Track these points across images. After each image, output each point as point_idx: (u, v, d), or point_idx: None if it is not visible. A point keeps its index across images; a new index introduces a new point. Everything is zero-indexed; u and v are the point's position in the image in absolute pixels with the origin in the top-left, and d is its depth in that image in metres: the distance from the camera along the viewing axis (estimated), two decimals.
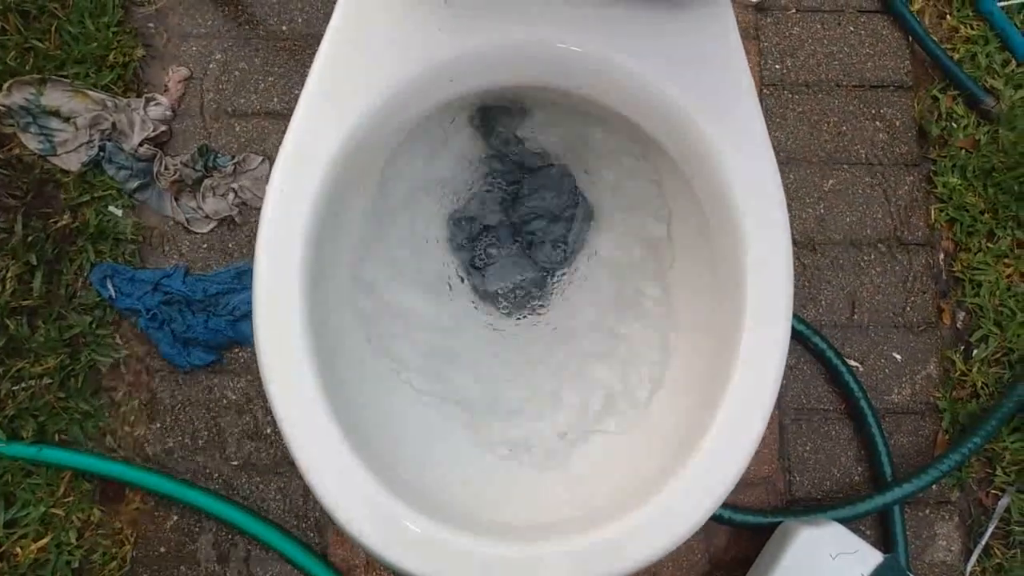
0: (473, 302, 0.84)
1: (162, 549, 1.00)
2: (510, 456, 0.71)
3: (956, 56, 1.16)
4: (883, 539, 1.04)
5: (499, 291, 0.83)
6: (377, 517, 0.56)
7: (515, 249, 0.84)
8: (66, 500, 0.99)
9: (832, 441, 1.07)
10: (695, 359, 0.69)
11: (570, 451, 0.72)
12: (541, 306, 0.84)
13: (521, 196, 0.82)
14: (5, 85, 1.05)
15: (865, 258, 1.12)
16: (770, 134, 0.69)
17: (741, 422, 0.59)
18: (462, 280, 0.84)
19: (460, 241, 0.83)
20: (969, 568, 1.04)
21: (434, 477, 0.69)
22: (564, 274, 0.84)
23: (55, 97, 1.06)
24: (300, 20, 1.13)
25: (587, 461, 0.72)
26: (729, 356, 0.60)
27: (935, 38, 1.16)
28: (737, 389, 0.60)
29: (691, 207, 0.68)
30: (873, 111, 1.15)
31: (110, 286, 1.02)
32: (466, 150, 0.81)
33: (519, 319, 0.83)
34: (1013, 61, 1.16)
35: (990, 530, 1.05)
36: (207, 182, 1.07)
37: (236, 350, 1.05)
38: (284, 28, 1.12)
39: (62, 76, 1.07)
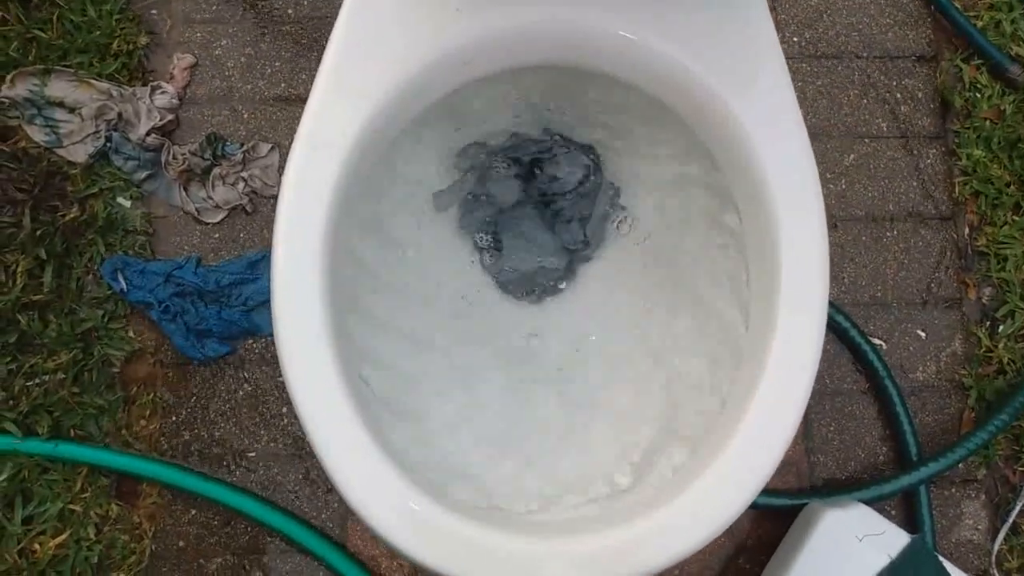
0: (496, 289, 0.82)
1: (181, 543, 0.99)
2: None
3: (979, 24, 1.13)
4: (909, 519, 1.02)
5: (519, 276, 0.81)
6: (395, 507, 0.55)
7: (537, 231, 0.82)
8: (83, 496, 0.98)
9: (856, 421, 1.05)
10: None
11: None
12: (564, 291, 0.81)
13: (541, 174, 0.80)
14: (8, 76, 1.03)
15: (888, 234, 1.09)
16: None
17: (774, 417, 0.57)
18: (480, 264, 0.82)
19: (476, 222, 0.81)
20: (996, 547, 1.03)
21: (451, 470, 0.68)
22: (592, 258, 0.81)
23: (59, 88, 1.04)
24: (306, 2, 1.10)
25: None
26: (762, 346, 0.58)
27: (957, 5, 1.12)
28: (770, 382, 0.58)
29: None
30: (894, 83, 1.13)
31: (121, 279, 1.01)
32: (482, 127, 0.78)
33: (540, 308, 0.81)
34: None
35: (1018, 508, 1.03)
36: (216, 171, 1.05)
37: (250, 341, 1.03)
38: (290, 11, 1.10)
39: (66, 66, 1.05)
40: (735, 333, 0.65)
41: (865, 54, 1.13)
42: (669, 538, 0.55)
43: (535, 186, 0.81)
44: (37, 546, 0.96)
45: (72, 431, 0.99)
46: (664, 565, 0.55)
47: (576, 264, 0.82)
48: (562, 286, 0.82)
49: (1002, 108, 1.11)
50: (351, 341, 0.65)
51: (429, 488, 0.57)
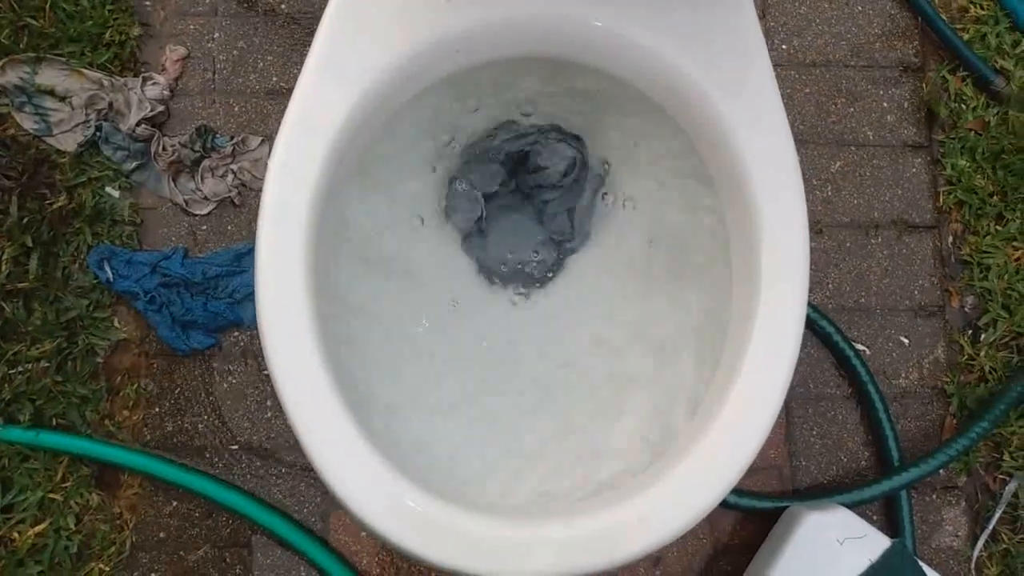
0: (483, 280, 0.82)
1: (161, 534, 0.99)
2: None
3: (965, 36, 1.14)
4: (890, 524, 1.03)
5: (507, 268, 0.81)
6: (381, 495, 0.55)
7: (524, 222, 0.82)
8: (64, 485, 0.97)
9: (839, 425, 1.06)
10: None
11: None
12: (551, 284, 0.82)
13: (527, 164, 0.80)
14: None
15: (873, 241, 1.10)
16: None
17: (751, 412, 0.57)
18: (466, 254, 0.82)
19: (462, 212, 0.81)
20: (976, 553, 1.04)
21: (437, 452, 0.68)
22: (579, 249, 0.81)
23: (50, 76, 1.04)
24: None
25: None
26: (742, 342, 0.59)
27: (944, 18, 1.14)
28: (749, 376, 0.58)
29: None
30: (881, 92, 1.14)
31: (107, 268, 1.01)
32: (469, 116, 0.79)
33: (527, 300, 0.81)
34: (1023, 41, 1.14)
35: (997, 515, 1.04)
36: (206, 163, 1.05)
37: (236, 333, 1.03)
38: (283, 6, 1.10)
39: (57, 55, 1.05)
40: (721, 322, 0.65)
41: (853, 63, 1.15)
42: (651, 524, 0.55)
43: (522, 177, 0.81)
44: (16, 535, 0.95)
45: (54, 420, 0.99)
46: (647, 550, 0.55)
47: (564, 255, 0.82)
48: (550, 276, 0.82)
49: (986, 119, 1.12)
50: (333, 327, 0.65)
51: (414, 476, 0.57)
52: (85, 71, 1.04)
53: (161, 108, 1.05)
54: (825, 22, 1.15)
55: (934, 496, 1.05)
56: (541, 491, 0.67)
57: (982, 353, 1.07)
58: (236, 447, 1.01)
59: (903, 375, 1.08)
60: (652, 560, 1.02)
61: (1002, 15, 1.14)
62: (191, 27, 1.09)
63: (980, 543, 1.04)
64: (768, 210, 0.60)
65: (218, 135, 1.06)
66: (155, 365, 1.02)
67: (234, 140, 1.06)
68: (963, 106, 1.13)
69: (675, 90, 0.64)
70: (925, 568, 0.91)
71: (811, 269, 1.07)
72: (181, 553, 0.98)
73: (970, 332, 1.09)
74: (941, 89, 1.14)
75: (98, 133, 1.04)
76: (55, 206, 1.02)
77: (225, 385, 1.02)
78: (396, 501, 0.55)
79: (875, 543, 0.90)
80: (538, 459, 0.70)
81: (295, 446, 1.00)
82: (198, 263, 1.03)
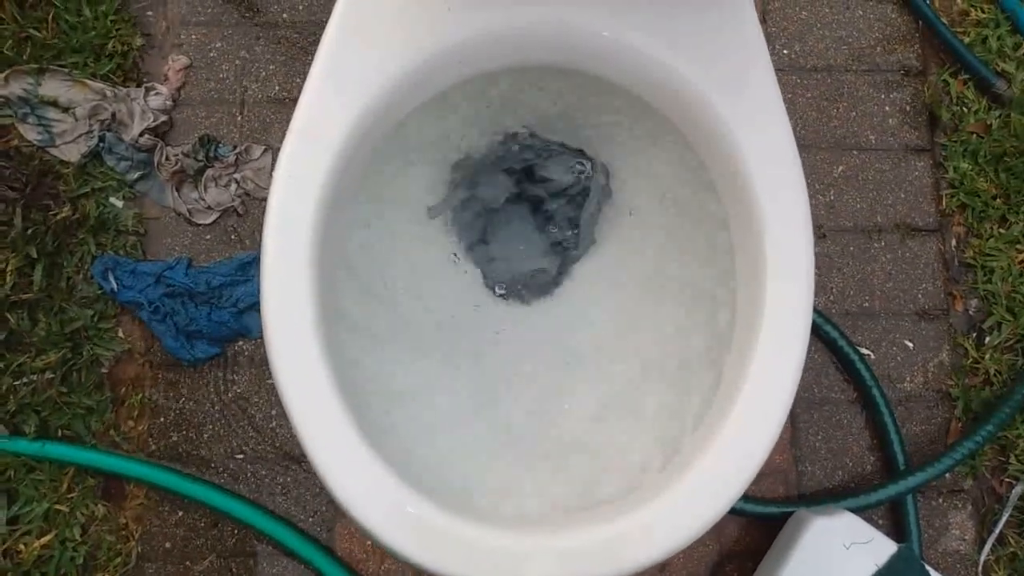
0: (486, 290, 0.82)
1: (167, 544, 0.99)
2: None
3: (967, 40, 1.14)
4: (896, 528, 1.03)
5: (510, 278, 0.81)
6: (382, 501, 0.55)
7: (528, 232, 0.82)
8: (70, 496, 0.97)
9: (844, 430, 1.06)
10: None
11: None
12: (554, 293, 0.82)
13: (533, 174, 0.80)
14: (2, 75, 1.03)
15: (876, 245, 1.10)
16: None
17: (758, 419, 0.57)
18: (470, 264, 0.82)
19: (466, 222, 0.81)
20: (983, 557, 1.03)
21: (439, 460, 0.68)
22: (583, 258, 0.81)
23: (53, 87, 1.04)
24: (301, 7, 1.11)
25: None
26: (747, 345, 0.59)
27: (945, 21, 1.14)
28: (755, 379, 0.58)
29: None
30: (883, 96, 1.14)
31: (112, 279, 1.01)
32: (472, 127, 0.79)
33: (531, 307, 0.81)
34: None
35: (1004, 518, 1.04)
36: (209, 172, 1.05)
37: (240, 343, 1.03)
38: (285, 15, 1.11)
39: (60, 66, 1.05)
40: (726, 325, 0.65)
41: (854, 67, 1.15)
42: (654, 536, 0.55)
43: (527, 186, 0.81)
44: (22, 546, 0.95)
45: (59, 431, 0.99)
46: (648, 563, 0.55)
47: (567, 265, 0.82)
48: (555, 283, 0.82)
49: (988, 122, 1.12)
50: (336, 335, 0.65)
51: (415, 483, 0.57)
52: (88, 82, 1.05)
53: (164, 118, 1.05)
54: (826, 27, 1.15)
55: (940, 500, 1.05)
56: (544, 500, 0.67)
57: (987, 356, 1.07)
58: (241, 456, 1.01)
59: (908, 379, 1.08)
60: (657, 566, 1.01)
61: (1003, 18, 1.15)
62: (193, 37, 1.09)
63: (987, 547, 1.03)
64: (770, 209, 0.60)
65: (221, 144, 1.06)
66: (160, 375, 1.02)
67: (237, 149, 1.06)
68: (965, 109, 1.13)
69: (676, 94, 0.64)
70: (932, 572, 0.91)
71: (815, 273, 1.08)
72: (187, 563, 0.98)
73: (974, 335, 1.09)
74: (942, 92, 1.14)
75: (101, 144, 1.04)
76: (59, 217, 1.02)
77: (230, 395, 1.02)
78: (397, 508, 0.55)
79: (882, 548, 0.90)
80: (541, 468, 0.70)
81: (300, 455, 1.00)
82: (202, 273, 1.03)
